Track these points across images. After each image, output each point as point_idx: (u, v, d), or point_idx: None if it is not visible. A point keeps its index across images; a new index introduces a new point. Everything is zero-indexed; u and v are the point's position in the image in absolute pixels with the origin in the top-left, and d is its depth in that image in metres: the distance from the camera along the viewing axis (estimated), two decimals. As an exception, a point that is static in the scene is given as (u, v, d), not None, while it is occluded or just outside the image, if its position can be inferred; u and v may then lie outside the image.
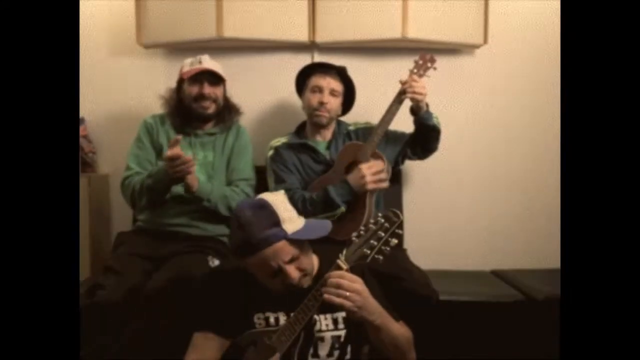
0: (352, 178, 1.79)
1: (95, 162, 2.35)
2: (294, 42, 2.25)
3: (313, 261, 1.27)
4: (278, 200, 1.23)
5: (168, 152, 1.64)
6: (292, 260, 1.18)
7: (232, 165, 1.94)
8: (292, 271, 1.18)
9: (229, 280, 1.31)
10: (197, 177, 1.77)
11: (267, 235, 1.16)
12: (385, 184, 1.82)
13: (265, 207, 1.19)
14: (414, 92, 1.81)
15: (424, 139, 1.93)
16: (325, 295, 1.10)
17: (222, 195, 1.83)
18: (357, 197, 1.80)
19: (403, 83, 1.85)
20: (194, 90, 1.89)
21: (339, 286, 1.10)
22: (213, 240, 1.87)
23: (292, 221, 1.20)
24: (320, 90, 1.93)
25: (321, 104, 1.92)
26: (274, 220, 1.17)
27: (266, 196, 1.24)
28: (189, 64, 1.92)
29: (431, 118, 1.87)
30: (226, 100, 1.99)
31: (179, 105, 1.94)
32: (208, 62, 1.92)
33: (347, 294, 1.09)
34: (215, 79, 1.92)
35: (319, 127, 1.97)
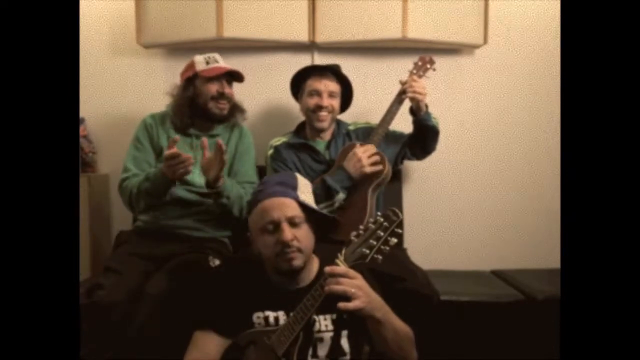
0: (348, 164, 1.78)
1: (95, 162, 2.35)
2: (294, 42, 2.25)
3: (313, 248, 1.28)
4: (302, 178, 1.34)
5: (166, 152, 1.60)
6: (293, 223, 1.22)
7: (235, 167, 1.91)
8: (288, 231, 1.20)
9: (229, 279, 1.31)
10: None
11: (280, 189, 1.25)
12: (380, 167, 1.80)
13: (289, 174, 1.35)
14: (415, 92, 1.81)
15: (423, 139, 1.93)
16: (327, 288, 1.09)
17: (239, 195, 1.79)
18: (357, 193, 1.79)
19: (403, 83, 1.85)
20: (213, 88, 1.84)
21: (341, 283, 1.09)
22: (214, 240, 1.87)
23: (307, 195, 1.30)
24: (318, 93, 1.92)
25: (320, 107, 1.91)
26: (292, 184, 1.28)
27: (299, 175, 1.36)
28: (204, 62, 1.86)
29: (430, 119, 1.87)
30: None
31: (189, 104, 1.87)
32: (223, 62, 1.89)
33: (352, 290, 1.08)
34: (230, 79, 1.90)
35: (320, 130, 1.97)
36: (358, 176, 1.78)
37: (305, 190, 1.30)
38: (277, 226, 1.21)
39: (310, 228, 1.26)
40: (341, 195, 1.78)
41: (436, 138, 1.95)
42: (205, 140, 1.64)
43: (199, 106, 1.87)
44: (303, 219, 1.23)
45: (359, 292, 1.09)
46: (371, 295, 1.13)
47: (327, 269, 1.12)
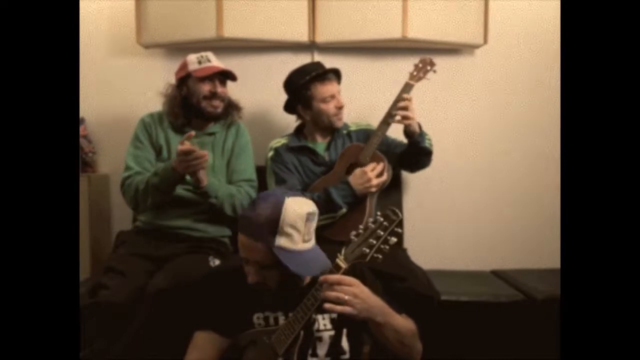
0: (354, 180, 1.78)
1: (95, 162, 2.35)
2: (294, 42, 2.25)
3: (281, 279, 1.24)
4: (297, 212, 1.16)
5: (182, 147, 1.60)
6: (261, 266, 1.18)
7: (232, 166, 1.91)
8: (251, 273, 1.20)
9: (229, 279, 1.31)
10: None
11: (256, 231, 1.15)
12: (385, 179, 1.81)
13: (277, 210, 1.15)
14: (403, 118, 1.77)
15: (416, 159, 1.92)
16: (326, 305, 1.10)
17: (229, 194, 1.79)
18: (358, 199, 1.79)
19: (396, 102, 1.81)
20: (205, 88, 1.84)
21: (337, 292, 1.10)
22: (214, 241, 1.87)
23: (291, 240, 1.16)
24: (333, 97, 1.90)
25: (340, 108, 1.91)
26: (273, 226, 1.14)
27: (293, 202, 1.17)
28: (196, 62, 1.86)
29: (424, 140, 1.85)
30: (229, 98, 1.96)
31: (182, 104, 1.87)
32: (216, 61, 1.89)
33: (346, 297, 1.09)
34: (224, 78, 1.90)
35: (338, 128, 1.95)
36: (363, 193, 1.78)
37: (292, 230, 1.15)
38: (246, 262, 1.21)
39: (284, 268, 1.17)
40: (343, 210, 1.79)
41: (429, 157, 1.93)
42: (191, 134, 1.62)
43: (193, 106, 1.87)
44: (275, 262, 1.16)
45: (355, 299, 1.10)
46: (369, 301, 1.13)
47: (321, 278, 1.12)
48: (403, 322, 1.21)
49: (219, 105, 1.88)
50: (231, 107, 1.95)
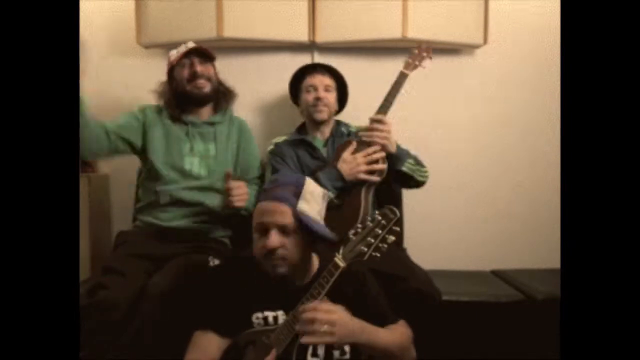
0: (342, 164, 1.75)
1: (95, 162, 2.35)
2: (294, 42, 2.25)
3: (305, 259, 1.27)
4: (313, 186, 1.29)
5: (228, 184, 1.72)
6: (283, 231, 1.20)
7: (243, 163, 1.95)
8: (274, 238, 1.20)
9: (229, 279, 1.31)
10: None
11: (281, 194, 1.22)
12: (376, 178, 1.76)
13: (299, 178, 1.30)
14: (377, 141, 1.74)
15: (396, 180, 1.85)
16: (303, 339, 1.08)
17: (253, 202, 1.82)
18: (351, 193, 1.77)
19: (388, 96, 1.80)
20: (185, 71, 1.87)
21: (313, 321, 1.08)
22: (214, 240, 1.87)
23: (310, 207, 1.24)
24: (314, 88, 1.95)
25: (318, 99, 1.93)
26: (297, 190, 1.24)
27: (310, 181, 1.31)
28: (175, 52, 1.91)
29: (402, 163, 1.76)
30: (220, 83, 1.97)
31: (173, 94, 1.91)
32: (193, 45, 1.92)
33: (323, 329, 1.07)
34: (204, 57, 1.91)
35: (319, 123, 1.97)
36: (351, 179, 1.74)
37: (311, 199, 1.26)
38: (266, 230, 1.21)
39: (303, 238, 1.23)
40: (330, 194, 1.76)
41: (412, 182, 1.83)
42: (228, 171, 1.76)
43: (182, 93, 1.89)
44: (296, 228, 1.21)
45: (333, 328, 1.08)
46: (349, 326, 1.12)
47: (300, 308, 1.12)
48: (389, 338, 1.21)
49: (204, 85, 1.88)
50: (222, 92, 1.96)
